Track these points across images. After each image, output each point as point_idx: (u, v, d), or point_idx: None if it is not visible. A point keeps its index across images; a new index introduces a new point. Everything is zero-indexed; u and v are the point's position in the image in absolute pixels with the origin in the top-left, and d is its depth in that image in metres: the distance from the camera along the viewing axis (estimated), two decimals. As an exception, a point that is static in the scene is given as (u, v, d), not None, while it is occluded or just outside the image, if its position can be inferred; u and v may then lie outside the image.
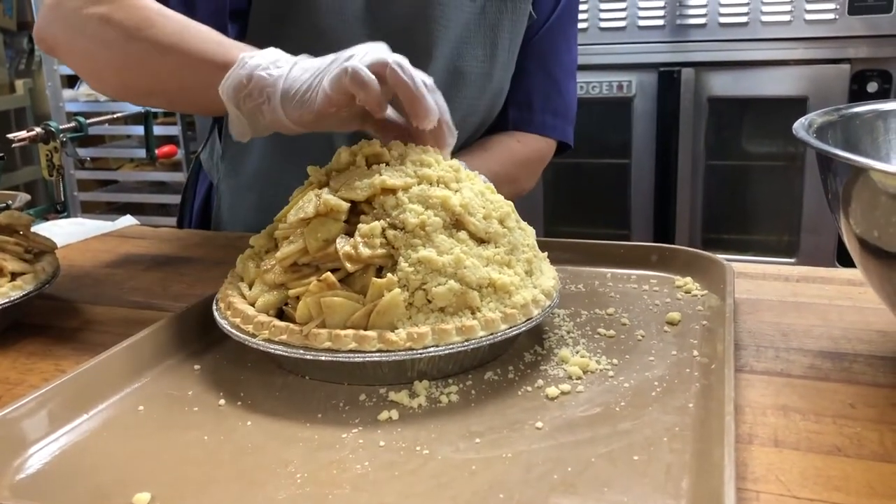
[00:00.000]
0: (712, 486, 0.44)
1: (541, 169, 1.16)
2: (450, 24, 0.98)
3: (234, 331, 0.62)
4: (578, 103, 1.17)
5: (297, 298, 0.61)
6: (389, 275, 0.59)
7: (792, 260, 2.25)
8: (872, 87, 2.09)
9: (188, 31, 0.75)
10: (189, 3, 0.86)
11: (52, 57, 1.08)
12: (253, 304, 0.64)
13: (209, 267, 0.92)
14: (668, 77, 2.21)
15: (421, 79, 0.65)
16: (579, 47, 1.17)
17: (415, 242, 0.60)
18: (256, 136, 0.71)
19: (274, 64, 0.68)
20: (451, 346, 0.57)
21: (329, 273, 0.60)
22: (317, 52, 0.94)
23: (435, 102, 0.65)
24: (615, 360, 0.63)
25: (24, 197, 1.29)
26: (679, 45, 2.21)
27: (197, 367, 0.64)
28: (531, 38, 1.09)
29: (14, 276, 0.74)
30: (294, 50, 0.94)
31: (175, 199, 3.02)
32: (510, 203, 0.68)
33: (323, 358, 0.57)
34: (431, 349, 0.57)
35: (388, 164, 0.65)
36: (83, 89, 3.09)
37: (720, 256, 0.80)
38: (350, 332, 0.57)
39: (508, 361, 0.63)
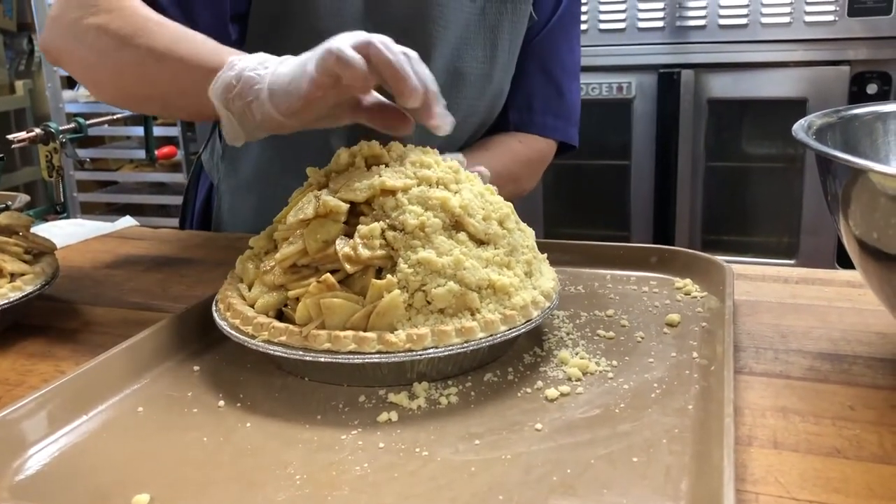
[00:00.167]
0: (712, 487, 0.44)
1: (542, 169, 1.16)
2: (449, 24, 0.98)
3: (233, 332, 0.62)
4: None
5: (297, 300, 0.61)
6: (389, 276, 0.59)
7: (791, 261, 2.25)
8: (872, 88, 2.09)
9: (182, 39, 0.76)
10: (189, 12, 0.87)
11: (57, 66, 1.11)
12: (252, 306, 0.64)
13: (209, 268, 0.92)
14: (667, 78, 2.21)
15: (403, 52, 0.64)
16: (579, 48, 1.18)
17: (414, 244, 0.60)
18: (249, 139, 0.72)
19: (262, 64, 0.68)
20: (450, 348, 0.57)
21: (328, 274, 0.60)
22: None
23: (418, 75, 0.65)
24: (615, 362, 0.63)
25: (23, 198, 1.28)
26: (679, 47, 2.22)
27: (196, 368, 0.64)
28: (532, 40, 1.09)
29: (13, 276, 0.74)
30: (293, 52, 0.94)
31: (175, 200, 3.04)
32: (510, 204, 0.68)
33: (322, 359, 0.57)
34: (431, 350, 0.57)
35: (387, 165, 0.65)
36: (83, 90, 3.09)
37: (720, 258, 0.80)
38: (349, 333, 0.57)
39: (508, 363, 0.63)
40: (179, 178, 3.00)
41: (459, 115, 1.04)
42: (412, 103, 0.64)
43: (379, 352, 0.57)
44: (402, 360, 0.57)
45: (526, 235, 0.68)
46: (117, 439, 0.54)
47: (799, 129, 0.62)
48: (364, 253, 0.60)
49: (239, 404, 0.58)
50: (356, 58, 0.62)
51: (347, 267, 0.60)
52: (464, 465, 0.49)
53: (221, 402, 0.59)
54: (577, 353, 0.64)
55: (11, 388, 0.63)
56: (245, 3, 0.93)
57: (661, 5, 2.21)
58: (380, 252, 0.60)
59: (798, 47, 2.13)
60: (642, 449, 0.50)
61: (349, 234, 0.62)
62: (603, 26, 2.25)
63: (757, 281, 0.82)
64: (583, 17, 2.13)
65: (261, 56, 0.70)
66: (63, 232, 1.07)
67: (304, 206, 0.63)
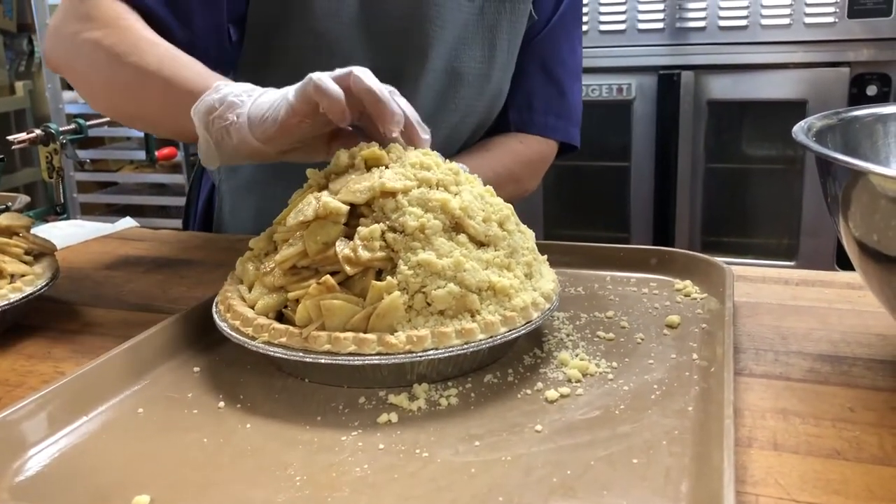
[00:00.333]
0: (711, 489, 0.44)
1: (543, 170, 1.16)
2: (446, 24, 0.98)
3: (233, 333, 0.62)
4: None
5: (297, 301, 0.61)
6: (389, 278, 0.59)
7: (791, 263, 2.25)
8: (872, 90, 2.09)
9: (171, 59, 0.78)
10: (186, 21, 0.88)
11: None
12: (252, 307, 0.64)
13: (209, 269, 0.92)
14: (667, 80, 2.21)
15: (383, 88, 0.66)
16: (579, 50, 1.18)
17: (414, 245, 0.60)
18: (224, 163, 0.73)
19: (246, 92, 0.70)
20: (450, 349, 0.57)
21: (328, 276, 0.60)
22: (314, 54, 0.94)
23: (399, 106, 0.66)
24: (614, 364, 0.63)
25: (23, 199, 1.28)
26: (679, 49, 2.22)
27: (196, 369, 0.64)
28: (532, 40, 1.09)
29: (13, 277, 0.74)
30: (293, 54, 0.94)
31: (175, 201, 3.04)
32: (510, 206, 0.68)
33: (322, 360, 0.57)
34: (431, 352, 0.57)
35: (387, 166, 0.65)
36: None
37: (719, 260, 0.80)
38: (349, 334, 0.57)
39: (508, 364, 0.63)
40: (179, 179, 3.00)
41: (457, 116, 1.05)
42: (394, 127, 0.65)
43: (379, 353, 0.57)
44: (402, 361, 0.57)
45: (526, 237, 0.68)
46: (117, 440, 0.54)
47: (799, 130, 0.62)
48: (364, 255, 0.60)
49: (239, 405, 0.58)
50: (334, 87, 0.63)
51: (347, 268, 0.60)
52: (464, 466, 0.49)
53: (222, 404, 0.59)
54: (577, 355, 0.64)
55: (11, 389, 0.63)
56: (243, 4, 0.93)
57: (661, 7, 2.21)
58: (380, 254, 0.60)
59: (798, 49, 2.13)
60: (642, 450, 0.50)
61: (349, 236, 0.62)
62: (603, 27, 2.25)
63: (757, 282, 0.82)
64: (583, 18, 2.13)
65: (247, 85, 0.71)
66: (63, 233, 1.07)
67: (303, 207, 0.63)
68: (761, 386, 0.59)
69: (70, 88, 3.16)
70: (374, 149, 0.66)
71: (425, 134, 0.69)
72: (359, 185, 0.63)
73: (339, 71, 0.65)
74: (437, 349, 0.57)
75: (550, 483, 0.47)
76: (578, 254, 0.86)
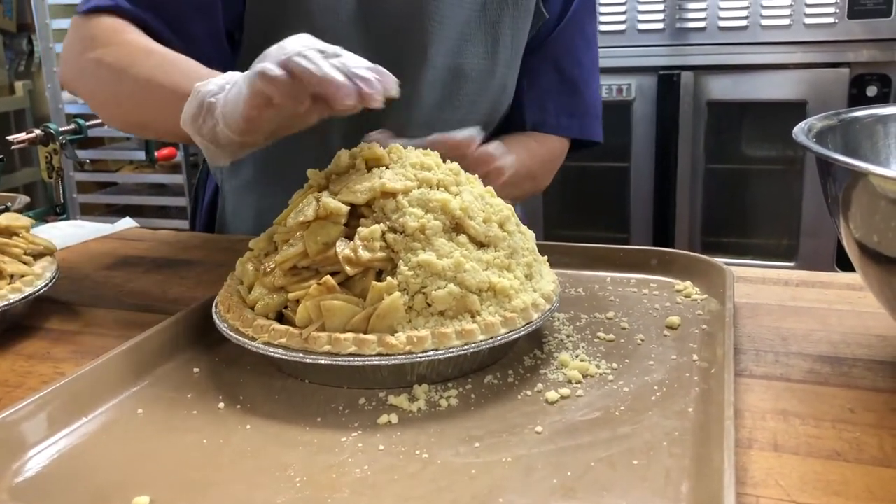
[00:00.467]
0: (712, 490, 0.44)
1: (557, 167, 1.16)
2: (445, 20, 0.98)
3: (233, 334, 0.62)
4: None
5: (297, 302, 0.61)
6: (389, 278, 0.59)
7: (791, 264, 2.25)
8: (872, 91, 2.09)
9: (168, 66, 0.79)
10: (184, 33, 0.89)
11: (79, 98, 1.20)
12: (252, 308, 0.64)
13: (209, 270, 0.92)
14: (667, 81, 2.21)
15: (321, 62, 0.61)
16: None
17: (415, 246, 0.60)
18: (230, 159, 0.71)
19: (222, 87, 0.68)
20: (450, 350, 0.57)
21: (329, 276, 0.60)
22: None
23: (346, 69, 0.61)
24: (615, 365, 0.63)
25: (23, 199, 1.29)
26: (678, 49, 2.22)
27: (196, 370, 0.64)
28: (545, 39, 1.08)
29: (13, 278, 0.74)
30: None
31: (174, 201, 3.04)
32: (510, 206, 0.68)
33: (322, 361, 0.57)
34: (431, 353, 0.57)
35: (387, 167, 0.65)
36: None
37: (719, 260, 0.80)
38: (350, 335, 0.57)
39: (508, 365, 0.63)
40: (179, 179, 2.99)
41: (461, 113, 1.04)
42: (348, 102, 0.60)
43: (379, 354, 0.57)
44: (403, 362, 0.57)
45: (526, 238, 0.68)
46: (117, 441, 0.54)
47: (799, 131, 0.62)
48: (364, 255, 0.60)
49: (239, 406, 0.58)
50: (279, 75, 0.60)
51: (348, 269, 0.60)
52: (464, 467, 0.49)
53: (221, 404, 0.58)
54: (577, 356, 0.64)
55: (11, 389, 0.63)
56: (240, 5, 0.93)
57: (661, 7, 2.21)
58: (380, 254, 0.60)
59: (798, 49, 2.13)
60: (642, 452, 0.50)
61: (349, 237, 0.62)
62: (603, 28, 2.25)
63: (757, 283, 0.82)
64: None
65: (226, 77, 0.69)
66: (63, 233, 1.07)
67: (304, 207, 0.63)
68: (761, 387, 0.59)
69: (70, 88, 3.16)
70: (374, 149, 0.66)
71: (380, 87, 0.62)
72: (359, 186, 0.63)
73: (280, 56, 0.62)
74: (437, 350, 0.57)
75: (550, 484, 0.47)
76: (578, 255, 0.86)
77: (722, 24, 2.17)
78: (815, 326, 0.70)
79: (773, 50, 2.14)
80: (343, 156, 0.67)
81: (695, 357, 0.64)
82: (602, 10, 2.25)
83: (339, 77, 0.61)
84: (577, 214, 2.50)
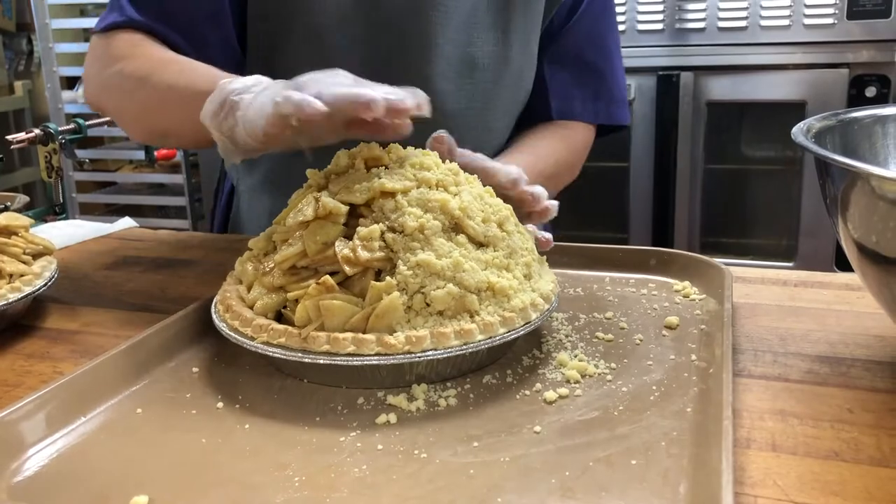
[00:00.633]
0: (710, 490, 0.44)
1: (587, 154, 1.16)
2: (449, 9, 0.97)
3: (232, 333, 0.62)
4: None
5: (296, 301, 0.61)
6: (388, 278, 0.59)
7: (790, 264, 2.26)
8: (871, 91, 2.09)
9: (183, 72, 0.81)
10: (198, 39, 0.91)
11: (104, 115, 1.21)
12: (251, 307, 0.64)
13: (208, 269, 0.92)
14: (667, 81, 2.21)
15: (346, 88, 0.61)
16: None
17: (413, 246, 0.60)
18: (245, 157, 0.71)
19: (248, 88, 0.67)
20: (449, 350, 0.57)
21: (328, 276, 0.60)
22: (314, 49, 0.94)
23: (374, 91, 0.60)
24: (613, 364, 0.63)
25: (22, 198, 1.29)
26: (678, 50, 2.22)
27: (195, 369, 0.64)
28: (562, 28, 1.07)
29: (12, 277, 0.74)
30: (293, 51, 0.94)
31: (174, 200, 3.04)
32: (509, 207, 0.68)
33: (321, 361, 0.57)
34: (430, 353, 0.57)
35: (387, 167, 0.65)
36: (82, 91, 3.09)
37: (718, 261, 0.80)
38: (348, 335, 0.57)
39: (507, 365, 0.63)
40: (178, 179, 2.99)
41: (478, 103, 1.03)
42: (378, 112, 0.59)
43: (378, 354, 0.57)
44: (401, 362, 0.57)
45: (525, 238, 0.68)
46: (116, 441, 0.54)
47: (798, 132, 0.62)
48: (363, 255, 0.60)
49: (238, 406, 0.58)
50: (306, 99, 0.59)
51: (347, 269, 0.60)
52: (462, 467, 0.49)
53: (220, 404, 0.58)
54: (575, 356, 0.64)
55: (10, 389, 0.63)
56: (243, 4, 0.93)
57: (660, 8, 2.21)
58: (379, 254, 0.60)
59: (797, 50, 2.13)
60: (641, 451, 0.50)
61: (348, 236, 0.62)
62: (602, 28, 2.25)
63: (756, 284, 0.82)
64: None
65: (254, 79, 0.69)
66: (62, 233, 1.07)
67: (303, 207, 0.63)
68: (760, 387, 0.59)
69: (69, 88, 3.16)
70: (373, 149, 0.66)
71: (413, 100, 0.61)
72: (358, 186, 0.63)
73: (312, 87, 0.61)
74: (436, 350, 0.57)
75: (549, 484, 0.47)
76: (577, 254, 0.86)
77: (721, 24, 2.17)
78: (814, 327, 0.70)
79: (772, 50, 2.14)
80: (342, 156, 0.67)
81: (693, 357, 0.64)
82: (602, 10, 2.25)
83: (369, 94, 0.59)
84: (576, 214, 2.50)
